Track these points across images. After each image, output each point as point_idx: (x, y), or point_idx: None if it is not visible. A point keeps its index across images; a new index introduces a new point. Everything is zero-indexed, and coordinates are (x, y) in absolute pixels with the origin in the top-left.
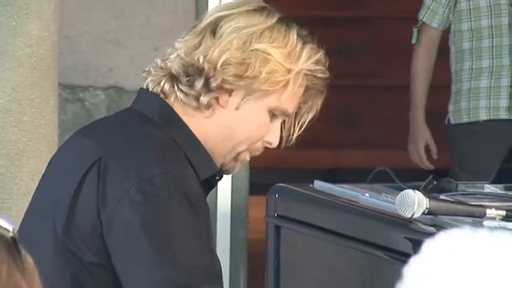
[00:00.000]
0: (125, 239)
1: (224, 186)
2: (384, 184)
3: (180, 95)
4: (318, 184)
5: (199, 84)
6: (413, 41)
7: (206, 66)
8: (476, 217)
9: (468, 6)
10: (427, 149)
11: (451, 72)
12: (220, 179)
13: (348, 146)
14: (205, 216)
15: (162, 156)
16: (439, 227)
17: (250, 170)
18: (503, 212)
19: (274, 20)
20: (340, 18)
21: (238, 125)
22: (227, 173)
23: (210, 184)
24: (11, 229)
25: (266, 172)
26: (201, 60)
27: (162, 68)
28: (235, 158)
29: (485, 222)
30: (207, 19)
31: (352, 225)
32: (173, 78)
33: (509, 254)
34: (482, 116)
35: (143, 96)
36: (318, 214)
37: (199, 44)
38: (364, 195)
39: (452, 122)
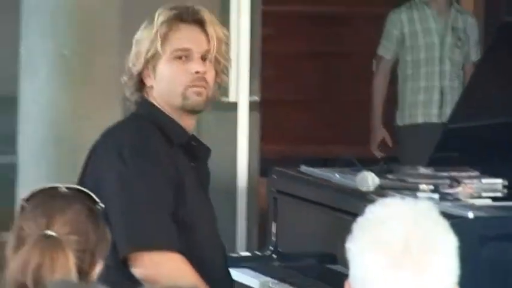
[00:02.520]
0: (106, 188)
1: (242, 171)
2: (350, 168)
3: (135, 93)
4: (303, 168)
5: (132, 80)
6: (374, 68)
7: (127, 71)
8: (413, 190)
9: (411, 44)
10: (385, 143)
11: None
12: (197, 143)
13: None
14: (164, 168)
15: (132, 133)
16: (383, 197)
17: (262, 160)
18: (432, 187)
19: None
20: None
21: (164, 81)
22: (194, 109)
23: (192, 150)
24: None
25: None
26: (130, 63)
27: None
28: (185, 95)
29: (418, 194)
30: None
31: (326, 197)
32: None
33: (421, 213)
34: (420, 120)
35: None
36: (303, 189)
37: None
38: (335, 176)
39: (399, 124)
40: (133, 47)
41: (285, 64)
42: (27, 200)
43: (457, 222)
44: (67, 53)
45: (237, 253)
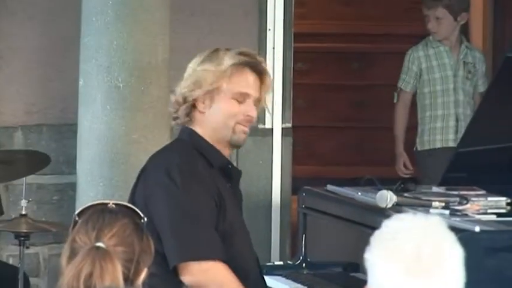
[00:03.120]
0: (157, 206)
1: (276, 189)
2: (371, 187)
3: (185, 120)
4: (329, 187)
5: (185, 108)
6: (395, 100)
7: (180, 97)
8: (426, 207)
9: (428, 78)
10: (405, 165)
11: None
12: (231, 165)
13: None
14: (213, 192)
15: (178, 155)
16: (399, 213)
17: (294, 180)
18: (443, 204)
19: (210, 51)
20: None
21: (218, 114)
22: (238, 145)
23: (228, 173)
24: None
25: (302, 181)
26: (179, 97)
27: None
28: (234, 131)
29: (431, 210)
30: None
31: (349, 212)
32: (176, 113)
33: (431, 227)
34: (438, 145)
35: (181, 128)
36: (329, 205)
37: (176, 89)
38: (358, 194)
39: (419, 149)
40: (191, 74)
41: (315, 95)
42: (79, 214)
43: (464, 235)
44: (121, 85)
45: (272, 262)
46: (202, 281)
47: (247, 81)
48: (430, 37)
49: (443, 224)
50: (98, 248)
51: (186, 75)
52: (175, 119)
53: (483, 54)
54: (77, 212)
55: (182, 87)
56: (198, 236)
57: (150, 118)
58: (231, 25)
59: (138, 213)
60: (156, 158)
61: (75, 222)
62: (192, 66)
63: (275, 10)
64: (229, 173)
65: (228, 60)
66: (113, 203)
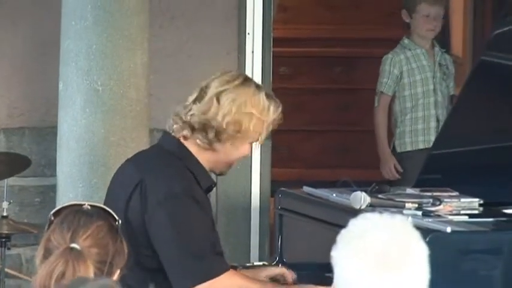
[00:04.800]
0: (160, 230)
1: (255, 192)
2: (347, 188)
3: (198, 141)
4: (305, 188)
5: (211, 135)
6: (376, 104)
7: (215, 124)
8: (399, 208)
9: (409, 80)
10: (396, 168)
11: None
12: (215, 185)
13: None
14: (209, 211)
15: (179, 177)
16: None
17: (273, 182)
18: (416, 205)
19: (252, 88)
20: None
21: (233, 155)
22: (223, 175)
23: (210, 189)
24: (117, 219)
25: (282, 184)
26: (212, 121)
27: (184, 121)
28: (228, 168)
29: (404, 211)
30: (212, 91)
31: (324, 213)
32: (192, 130)
33: (397, 225)
34: (421, 146)
35: (166, 137)
36: (305, 206)
37: (209, 109)
38: (333, 195)
39: (398, 151)
40: (232, 111)
41: (298, 99)
42: (54, 214)
43: (436, 236)
44: (100, 88)
45: (251, 263)
46: None
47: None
48: (405, 40)
49: (409, 223)
50: (72, 249)
51: (225, 104)
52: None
53: (464, 59)
54: (52, 212)
55: (219, 116)
56: (204, 255)
57: (129, 121)
58: (211, 29)
59: (113, 216)
60: (151, 173)
61: (51, 222)
62: (232, 97)
63: (254, 14)
64: (210, 190)
65: (272, 115)
66: (88, 204)
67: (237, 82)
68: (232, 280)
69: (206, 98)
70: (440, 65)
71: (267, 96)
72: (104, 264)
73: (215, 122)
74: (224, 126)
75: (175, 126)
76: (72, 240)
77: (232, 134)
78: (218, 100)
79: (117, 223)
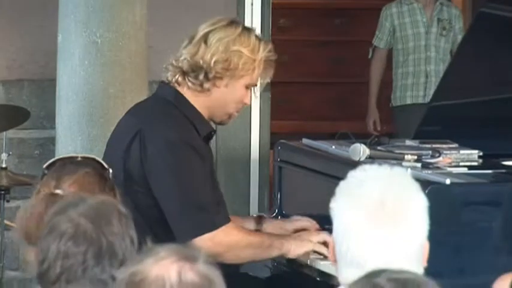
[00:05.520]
0: (159, 178)
1: (255, 144)
2: (346, 140)
3: (189, 84)
4: (305, 141)
5: (201, 76)
6: (369, 56)
7: (204, 65)
8: (399, 160)
9: (401, 35)
10: (375, 123)
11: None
12: (215, 133)
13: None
14: (209, 160)
15: (177, 126)
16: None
17: (272, 134)
18: (415, 157)
19: (240, 29)
20: None
21: (228, 98)
22: (223, 125)
23: (210, 137)
24: (107, 168)
25: (282, 136)
26: (200, 61)
27: (175, 67)
28: (229, 117)
29: (403, 163)
30: (200, 33)
31: (324, 165)
32: (183, 74)
33: (396, 177)
34: (408, 101)
35: (163, 86)
36: (304, 159)
37: (198, 51)
38: (332, 147)
39: (393, 105)
40: (221, 50)
41: (297, 51)
42: (48, 167)
43: (435, 187)
44: (99, 40)
45: (251, 215)
46: (218, 252)
47: (267, 76)
48: None
49: (408, 175)
50: (54, 194)
51: (212, 44)
52: (173, 75)
53: (460, 11)
54: (45, 166)
55: (207, 55)
56: (205, 208)
57: (128, 73)
58: None
59: (103, 165)
60: (150, 122)
61: (43, 174)
62: (219, 36)
63: None
64: (210, 137)
65: (262, 52)
66: (81, 157)
67: (223, 23)
68: (233, 233)
69: (194, 41)
70: (439, 20)
71: (256, 36)
72: None
73: (204, 62)
74: (212, 65)
75: (168, 74)
76: (57, 187)
77: (221, 72)
78: (205, 41)
79: (107, 172)
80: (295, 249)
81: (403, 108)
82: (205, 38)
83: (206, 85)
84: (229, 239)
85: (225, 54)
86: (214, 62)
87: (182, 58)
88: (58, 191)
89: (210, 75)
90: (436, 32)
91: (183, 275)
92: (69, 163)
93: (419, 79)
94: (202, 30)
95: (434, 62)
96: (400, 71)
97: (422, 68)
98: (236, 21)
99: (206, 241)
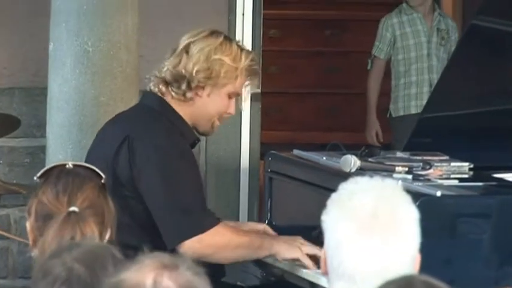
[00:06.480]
0: (148, 182)
1: (245, 154)
2: (337, 151)
3: (172, 93)
4: (295, 152)
5: (183, 86)
6: (368, 67)
7: (187, 74)
8: (390, 171)
9: (402, 45)
10: (377, 134)
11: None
12: (199, 141)
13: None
14: (194, 165)
15: (164, 131)
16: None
17: (263, 144)
18: (406, 169)
19: (221, 38)
20: None
21: (210, 107)
22: (207, 135)
23: (194, 145)
24: (103, 177)
25: (274, 146)
26: (182, 71)
27: (158, 77)
28: (212, 126)
29: (394, 175)
30: (181, 44)
31: (314, 177)
32: (166, 84)
33: (387, 188)
34: (413, 111)
35: (147, 95)
36: (295, 170)
37: (180, 61)
38: (323, 158)
39: (393, 115)
40: (202, 59)
41: (288, 62)
42: (41, 177)
43: (426, 200)
44: (90, 49)
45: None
46: (206, 254)
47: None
48: (404, 4)
49: (399, 187)
50: (73, 212)
51: (193, 54)
52: (156, 85)
53: (455, 23)
54: (38, 175)
55: (189, 65)
56: (194, 211)
57: (119, 82)
58: None
59: (99, 174)
60: (137, 128)
61: (38, 184)
62: (200, 46)
63: None
64: (193, 146)
65: (244, 61)
66: (72, 164)
67: (205, 33)
68: (221, 234)
69: (176, 52)
70: (438, 29)
71: (238, 45)
72: (100, 224)
73: (186, 72)
74: (194, 74)
75: (151, 84)
76: (70, 204)
77: (203, 81)
78: (187, 51)
79: (102, 181)
80: (284, 252)
81: (404, 118)
82: (187, 49)
83: (189, 94)
84: (217, 241)
85: (206, 63)
86: (196, 71)
87: (165, 69)
88: (74, 209)
89: (193, 85)
90: (436, 41)
91: (158, 283)
92: (73, 175)
93: (422, 88)
94: (184, 41)
95: (437, 71)
96: (402, 81)
97: (426, 77)
98: (217, 31)
99: (194, 243)
